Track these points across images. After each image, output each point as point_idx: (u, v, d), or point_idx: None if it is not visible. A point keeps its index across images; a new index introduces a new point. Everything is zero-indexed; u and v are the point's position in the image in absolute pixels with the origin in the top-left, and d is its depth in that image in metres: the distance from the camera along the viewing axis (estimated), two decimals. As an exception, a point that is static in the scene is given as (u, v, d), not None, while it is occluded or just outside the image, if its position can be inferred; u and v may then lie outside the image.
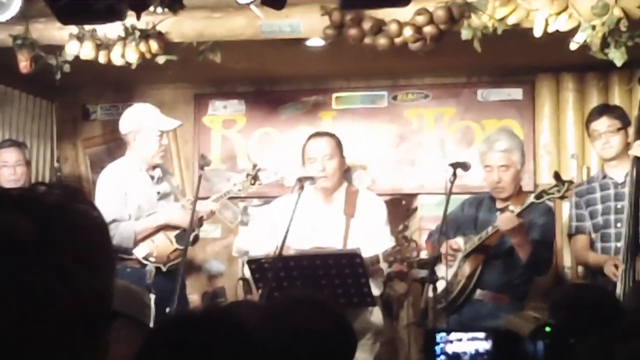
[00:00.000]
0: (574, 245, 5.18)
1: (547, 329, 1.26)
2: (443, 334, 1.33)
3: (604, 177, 5.02)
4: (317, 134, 5.12)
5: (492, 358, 1.32)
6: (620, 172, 4.92)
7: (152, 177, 5.20)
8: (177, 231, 5.09)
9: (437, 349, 1.33)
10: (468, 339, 1.32)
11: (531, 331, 1.26)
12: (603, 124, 4.96)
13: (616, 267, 4.63)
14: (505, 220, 4.65)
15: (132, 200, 5.09)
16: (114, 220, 4.89)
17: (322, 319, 1.90)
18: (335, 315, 1.94)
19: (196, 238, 5.12)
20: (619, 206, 4.82)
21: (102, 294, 0.96)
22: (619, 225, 4.79)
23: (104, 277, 0.98)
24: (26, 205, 0.96)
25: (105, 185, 5.17)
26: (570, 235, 5.15)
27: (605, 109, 5.15)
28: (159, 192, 5.19)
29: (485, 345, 1.32)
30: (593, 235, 4.96)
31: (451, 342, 1.34)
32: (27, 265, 0.90)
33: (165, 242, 5.09)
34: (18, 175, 5.57)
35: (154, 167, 5.22)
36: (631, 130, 4.88)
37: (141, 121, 5.16)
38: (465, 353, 1.34)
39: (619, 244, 4.72)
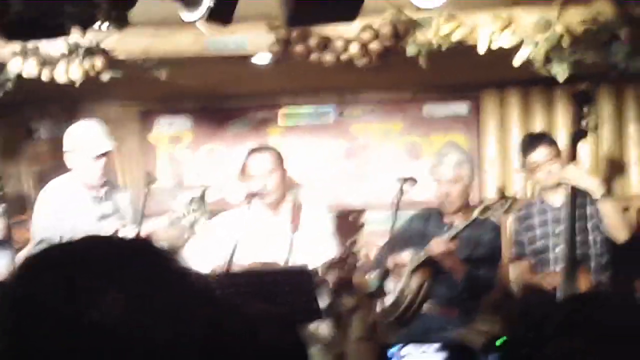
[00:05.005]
0: (515, 270, 5.22)
1: (498, 342, 1.27)
2: (394, 349, 1.33)
3: (542, 201, 5.06)
4: (257, 150, 5.07)
5: (444, 372, 1.32)
6: (557, 198, 4.93)
7: (95, 197, 5.03)
8: None
9: (389, 364, 1.33)
10: (419, 353, 1.32)
11: (483, 345, 1.27)
12: (541, 154, 4.91)
13: (555, 278, 4.65)
14: (434, 245, 4.69)
15: (67, 219, 4.85)
16: (42, 240, 4.73)
17: (274, 333, 1.88)
18: (288, 328, 1.93)
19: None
20: (556, 231, 4.84)
21: None
22: (557, 250, 4.81)
23: None
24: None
25: (39, 204, 5.02)
26: (511, 261, 5.19)
27: (537, 139, 5.05)
28: (100, 213, 5.03)
29: (437, 359, 1.32)
30: (533, 260, 4.98)
31: (403, 356, 1.33)
32: None
33: None
34: None
35: (99, 187, 5.07)
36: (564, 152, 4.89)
37: (75, 143, 4.97)
38: (417, 367, 1.34)
39: (557, 269, 4.74)
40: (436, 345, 1.20)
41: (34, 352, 0.99)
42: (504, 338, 1.22)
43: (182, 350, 1.03)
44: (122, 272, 1.05)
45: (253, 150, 5.06)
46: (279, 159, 4.97)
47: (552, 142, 5.02)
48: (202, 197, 4.90)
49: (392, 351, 1.18)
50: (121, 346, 1.00)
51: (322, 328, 4.78)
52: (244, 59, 5.22)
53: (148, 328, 1.01)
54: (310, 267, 4.50)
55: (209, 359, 1.07)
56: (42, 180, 6.38)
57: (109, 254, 1.08)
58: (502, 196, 4.63)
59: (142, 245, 1.12)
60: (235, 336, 1.25)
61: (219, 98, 6.56)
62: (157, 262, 1.09)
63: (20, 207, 6.50)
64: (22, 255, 5.06)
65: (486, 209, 4.64)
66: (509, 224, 5.18)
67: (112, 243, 1.14)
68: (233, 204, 5.55)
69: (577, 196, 4.67)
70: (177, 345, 1.03)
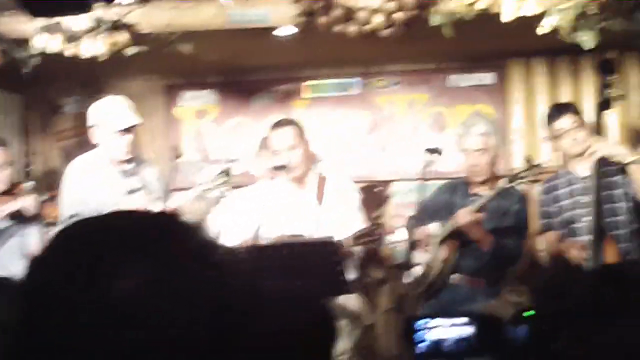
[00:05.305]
0: (545, 242, 5.20)
1: (527, 314, 1.26)
2: (422, 321, 1.33)
3: (568, 173, 5.03)
4: (278, 124, 5.02)
5: (474, 343, 1.32)
6: (583, 167, 4.91)
7: (122, 172, 5.04)
8: None
9: (417, 336, 1.32)
10: (448, 325, 1.31)
11: (512, 316, 1.26)
12: (566, 121, 4.90)
13: (582, 250, 4.64)
14: (461, 216, 4.68)
15: (95, 195, 4.88)
16: (72, 216, 4.73)
17: (301, 308, 1.89)
18: (315, 305, 1.94)
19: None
20: (585, 200, 4.82)
21: None
22: (584, 220, 4.79)
23: None
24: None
25: (67, 180, 5.05)
26: (539, 234, 5.17)
27: (563, 108, 5.06)
28: (128, 188, 5.06)
29: (466, 331, 1.32)
30: (562, 232, 4.97)
31: (431, 329, 1.33)
32: None
33: None
34: (3, 177, 5.43)
35: (126, 162, 5.10)
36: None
37: (99, 118, 4.97)
38: (446, 340, 1.33)
39: (585, 239, 4.72)
40: (465, 317, 1.21)
41: (61, 323, 1.00)
42: (532, 311, 1.22)
43: (208, 325, 1.03)
44: (150, 245, 1.06)
45: (275, 125, 5.02)
46: (301, 132, 4.94)
47: (577, 112, 5.01)
48: (228, 171, 4.90)
49: (420, 323, 1.19)
50: (146, 318, 1.00)
51: (350, 301, 4.79)
52: (267, 31, 5.21)
53: (174, 300, 1.02)
54: (336, 240, 4.50)
55: (237, 333, 1.07)
56: (69, 156, 6.42)
57: (137, 228, 1.09)
58: (528, 165, 4.61)
59: (169, 219, 1.13)
60: (261, 311, 1.25)
61: (243, 71, 6.55)
62: (184, 235, 1.09)
63: (49, 183, 6.55)
64: (53, 232, 5.10)
65: (512, 178, 4.62)
66: (535, 195, 5.15)
67: (139, 217, 1.14)
68: (258, 177, 5.56)
69: (604, 165, 4.64)
70: (201, 320, 1.03)
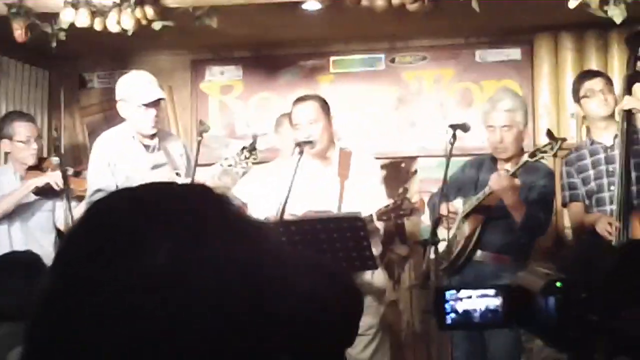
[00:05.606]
0: (569, 213, 5.19)
1: (558, 284, 1.26)
2: (452, 292, 1.33)
3: (592, 142, 5.01)
4: (301, 99, 5.00)
5: (503, 314, 1.32)
6: (608, 135, 4.90)
7: (147, 147, 5.06)
8: None
9: (447, 306, 1.32)
10: (478, 296, 1.31)
11: (542, 286, 1.26)
12: (599, 83, 4.94)
13: (610, 225, 4.63)
14: (496, 179, 4.63)
15: (120, 170, 4.95)
16: (98, 190, 4.77)
17: (329, 282, 1.89)
18: (342, 279, 1.94)
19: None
20: (610, 169, 4.81)
21: None
22: (612, 188, 4.78)
23: None
24: None
25: (94, 154, 5.09)
26: (564, 205, 5.15)
27: (595, 72, 5.17)
28: (153, 163, 5.08)
29: (495, 302, 1.32)
30: (587, 202, 4.96)
31: (461, 299, 1.33)
32: None
33: None
34: (33, 151, 5.50)
35: (150, 137, 5.13)
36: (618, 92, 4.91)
37: (124, 93, 4.99)
38: (475, 310, 1.33)
39: (613, 207, 4.72)
40: (494, 288, 1.21)
41: (94, 295, 1.00)
42: (564, 280, 1.22)
43: (242, 296, 1.03)
44: (185, 216, 1.06)
45: (297, 100, 5.02)
46: (324, 107, 4.92)
47: (608, 80, 5.04)
48: (253, 146, 4.91)
49: (450, 293, 1.19)
50: (181, 290, 1.00)
51: (375, 276, 4.79)
52: (295, 5, 5.19)
53: (209, 271, 1.02)
54: (362, 215, 4.50)
55: (270, 304, 1.07)
56: (95, 131, 6.46)
57: (170, 199, 1.09)
58: (552, 138, 4.57)
59: (204, 190, 1.13)
60: (293, 282, 1.25)
61: (270, 46, 6.55)
62: (219, 206, 1.09)
63: (76, 157, 6.60)
64: (80, 206, 5.14)
65: (536, 152, 4.59)
66: (561, 168, 5.13)
67: (173, 188, 1.15)
68: (283, 152, 5.57)
69: (630, 133, 4.63)
70: (237, 291, 1.03)
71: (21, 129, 5.46)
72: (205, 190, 1.13)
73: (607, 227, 4.65)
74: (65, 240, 1.08)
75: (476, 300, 1.31)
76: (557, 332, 1.27)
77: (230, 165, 4.89)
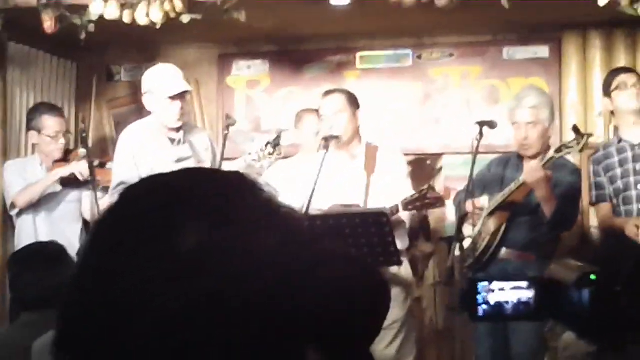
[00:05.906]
0: (597, 214, 5.16)
1: (593, 276, 1.25)
2: (485, 283, 1.32)
3: (620, 141, 4.98)
4: (329, 92, 5.04)
5: (535, 307, 1.31)
6: (635, 134, 4.88)
7: (172, 140, 5.07)
8: None
9: (479, 298, 1.32)
10: (511, 288, 1.31)
11: (576, 278, 1.25)
12: (632, 78, 4.96)
13: (637, 227, 4.60)
14: (530, 170, 4.60)
15: (144, 162, 4.94)
16: (122, 183, 4.78)
17: (359, 275, 1.89)
18: (371, 271, 1.93)
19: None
20: (637, 167, 4.79)
21: None
22: (639, 187, 4.76)
23: None
24: None
25: (120, 147, 5.10)
26: (592, 204, 5.12)
27: (628, 68, 5.22)
28: (177, 156, 5.09)
29: (527, 294, 1.31)
30: (614, 201, 4.93)
31: (493, 291, 1.33)
32: None
33: None
34: (60, 146, 5.54)
35: (176, 130, 5.12)
36: None
37: (151, 85, 5.01)
38: (507, 302, 1.33)
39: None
40: (527, 280, 1.20)
41: (129, 280, 1.00)
42: (598, 273, 1.21)
43: (273, 282, 1.03)
44: (216, 200, 1.06)
45: (326, 92, 5.05)
46: (351, 100, 4.92)
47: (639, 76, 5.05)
48: (277, 142, 4.92)
49: (482, 285, 1.19)
50: (213, 275, 1.00)
51: (403, 269, 4.78)
52: (322, 0, 5.19)
53: (240, 257, 1.02)
54: (388, 210, 4.50)
55: (299, 293, 1.07)
56: (122, 123, 6.49)
57: (202, 184, 1.09)
58: (578, 134, 4.54)
59: (235, 176, 1.13)
60: (323, 272, 1.25)
61: (297, 41, 6.55)
62: (252, 191, 1.09)
63: (103, 150, 6.63)
64: (105, 199, 5.16)
65: (562, 147, 4.56)
66: (588, 166, 5.10)
67: (206, 173, 1.15)
68: (304, 148, 5.57)
69: None
70: (267, 278, 1.03)
71: (50, 123, 5.50)
72: (239, 175, 1.12)
73: (634, 229, 4.62)
74: (95, 226, 1.08)
75: (508, 292, 1.30)
76: (590, 324, 1.27)
77: (254, 160, 4.91)
